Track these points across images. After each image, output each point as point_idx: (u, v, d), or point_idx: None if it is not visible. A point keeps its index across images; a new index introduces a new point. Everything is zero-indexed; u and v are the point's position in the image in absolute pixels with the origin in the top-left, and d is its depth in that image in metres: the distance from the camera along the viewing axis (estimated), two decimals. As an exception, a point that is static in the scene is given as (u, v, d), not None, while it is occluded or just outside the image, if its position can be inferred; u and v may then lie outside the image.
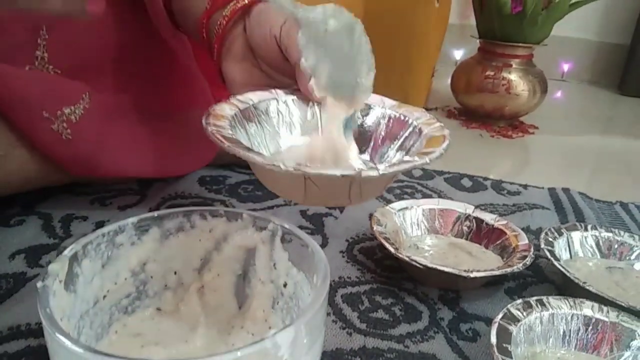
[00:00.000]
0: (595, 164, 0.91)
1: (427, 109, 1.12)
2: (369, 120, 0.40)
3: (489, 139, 0.98)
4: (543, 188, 0.72)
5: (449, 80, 1.10)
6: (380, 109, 0.40)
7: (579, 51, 1.62)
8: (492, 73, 1.00)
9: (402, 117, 0.39)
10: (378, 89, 0.97)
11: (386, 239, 0.46)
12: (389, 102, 0.41)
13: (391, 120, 0.40)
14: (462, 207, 0.54)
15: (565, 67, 1.63)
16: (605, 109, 1.36)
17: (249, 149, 0.30)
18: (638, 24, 1.50)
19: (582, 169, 0.88)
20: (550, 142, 1.00)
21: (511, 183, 0.73)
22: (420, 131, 0.37)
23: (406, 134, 0.38)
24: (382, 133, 0.40)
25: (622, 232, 0.53)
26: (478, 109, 1.04)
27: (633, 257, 0.52)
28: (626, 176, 0.85)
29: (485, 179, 0.74)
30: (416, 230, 0.53)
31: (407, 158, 0.33)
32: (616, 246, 0.53)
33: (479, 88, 1.02)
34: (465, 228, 0.53)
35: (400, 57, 0.94)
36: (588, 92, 1.55)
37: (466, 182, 0.72)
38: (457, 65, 1.08)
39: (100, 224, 0.51)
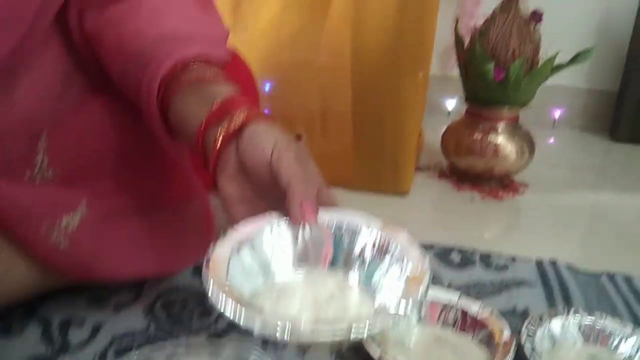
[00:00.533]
0: (585, 226, 0.93)
1: (419, 169, 1.15)
2: (356, 243, 0.42)
3: (480, 203, 1.00)
4: (531, 261, 0.73)
5: (441, 135, 1.12)
6: (367, 230, 0.42)
7: (569, 98, 1.65)
8: (479, 136, 1.03)
9: (386, 242, 0.41)
10: (371, 159, 0.98)
11: (372, 338, 0.48)
12: (374, 222, 0.43)
13: (376, 244, 0.42)
14: (447, 296, 0.56)
15: (557, 114, 1.66)
16: (597, 158, 1.38)
17: (247, 312, 0.32)
18: (625, 71, 1.54)
19: (572, 232, 0.90)
20: (541, 202, 1.02)
21: (499, 255, 0.75)
22: (403, 259, 0.39)
23: (390, 259, 0.40)
24: (368, 255, 0.41)
25: (604, 315, 0.55)
26: (469, 170, 1.07)
27: (615, 342, 0.53)
28: (616, 240, 0.87)
29: (474, 252, 0.76)
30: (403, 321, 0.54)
31: (389, 310, 0.35)
32: (597, 332, 0.54)
33: (468, 151, 1.04)
34: (450, 318, 0.55)
35: (390, 128, 0.96)
36: (580, 139, 1.57)
37: (455, 257, 0.74)
38: (446, 128, 1.11)
39: (96, 329, 0.53)
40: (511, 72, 0.96)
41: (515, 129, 1.05)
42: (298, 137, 1.02)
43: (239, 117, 0.45)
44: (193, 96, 0.49)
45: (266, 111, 1.00)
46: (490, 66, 0.96)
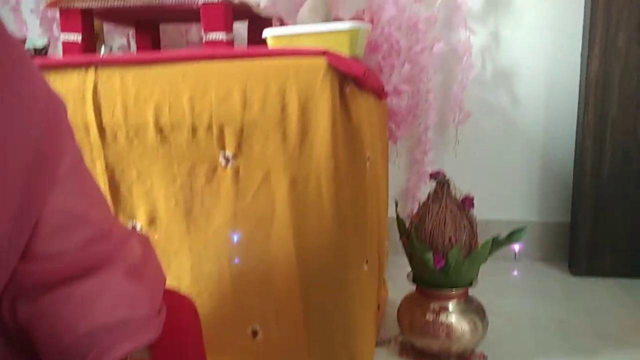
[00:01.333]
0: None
1: (379, 343, 1.16)
2: None
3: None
4: None
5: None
6: None
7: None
8: (431, 317, 1.05)
9: None
10: (324, 355, 0.99)
11: None
12: None
13: None
14: None
15: (517, 247, 1.71)
16: (556, 304, 1.40)
17: None
18: (574, 202, 1.60)
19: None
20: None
21: None
22: None
23: None
24: None
25: None
26: (426, 350, 1.08)
27: None
28: None
29: None
30: None
31: None
32: None
33: (422, 331, 1.06)
34: None
35: (341, 322, 0.99)
36: (540, 273, 1.61)
37: None
38: (400, 304, 1.13)
39: None
40: (450, 259, 1.00)
41: (467, 305, 1.07)
42: (254, 333, 1.04)
43: None
44: None
45: (236, 260, 1.02)
46: (429, 255, 1.00)
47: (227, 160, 0.97)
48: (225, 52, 0.96)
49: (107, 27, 1.59)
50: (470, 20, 1.59)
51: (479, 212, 1.61)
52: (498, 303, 1.10)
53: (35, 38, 1.41)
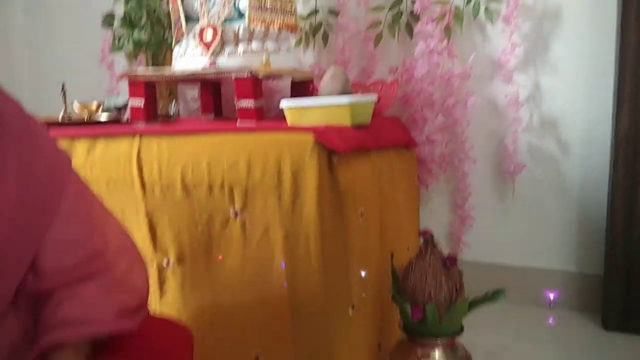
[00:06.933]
0: None
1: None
2: None
3: None
4: None
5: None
6: None
7: (561, 281, 1.70)
8: (418, 362, 1.15)
9: None
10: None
11: None
12: None
13: None
14: None
15: (552, 295, 1.71)
16: (583, 357, 1.40)
17: None
18: (606, 257, 1.57)
19: None
20: None
21: None
22: None
23: None
24: None
25: None
26: (411, 393, 1.18)
27: None
28: None
29: None
30: None
31: None
32: None
33: (408, 375, 1.16)
34: None
35: (325, 358, 1.13)
36: (573, 324, 1.60)
37: None
38: (392, 348, 1.24)
39: None
40: (428, 313, 1.10)
41: (452, 352, 1.16)
42: (257, 358, 1.21)
43: None
44: None
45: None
46: (407, 306, 1.11)
47: (236, 213, 1.16)
48: (234, 127, 1.16)
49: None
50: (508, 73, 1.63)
51: (517, 259, 1.75)
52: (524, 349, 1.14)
53: (116, 97, 1.71)
